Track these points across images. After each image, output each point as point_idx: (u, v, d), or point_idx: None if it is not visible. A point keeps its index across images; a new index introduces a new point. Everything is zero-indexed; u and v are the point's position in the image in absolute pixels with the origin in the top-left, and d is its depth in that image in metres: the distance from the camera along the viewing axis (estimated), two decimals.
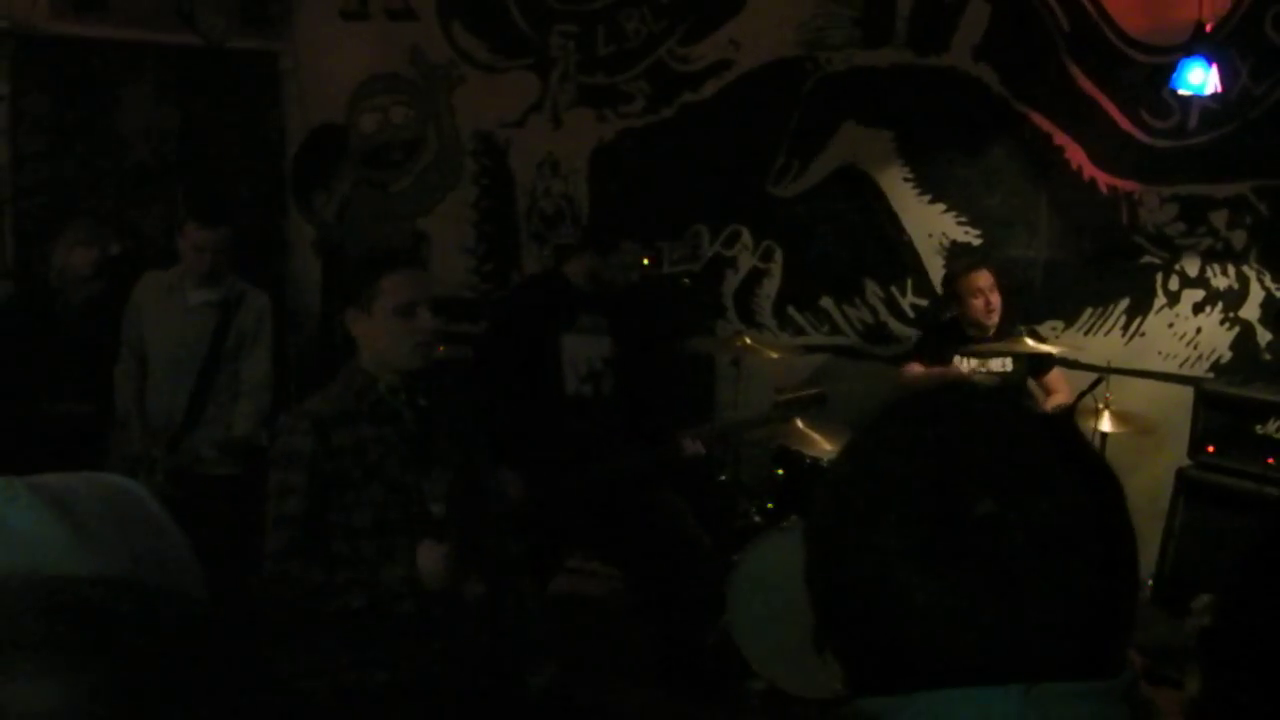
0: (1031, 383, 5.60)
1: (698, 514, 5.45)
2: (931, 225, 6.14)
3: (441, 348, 6.04)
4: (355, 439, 3.37)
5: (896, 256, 6.24)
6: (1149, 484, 5.31)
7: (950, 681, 0.99)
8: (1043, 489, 1.01)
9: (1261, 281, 5.46)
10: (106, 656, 0.63)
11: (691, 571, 4.83)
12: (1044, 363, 5.55)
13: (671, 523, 4.84)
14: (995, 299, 5.43)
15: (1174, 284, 5.65)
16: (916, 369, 5.57)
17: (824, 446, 4.97)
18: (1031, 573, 0.99)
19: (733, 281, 6.58)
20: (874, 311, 6.32)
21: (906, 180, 6.16)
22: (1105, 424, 5.05)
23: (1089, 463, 1.06)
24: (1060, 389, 5.51)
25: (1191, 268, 5.61)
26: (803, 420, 5.13)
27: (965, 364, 5.53)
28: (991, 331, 5.45)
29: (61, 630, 0.64)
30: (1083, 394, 5.05)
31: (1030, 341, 5.32)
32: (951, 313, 5.65)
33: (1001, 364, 5.53)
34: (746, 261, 6.55)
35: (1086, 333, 5.82)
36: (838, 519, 1.07)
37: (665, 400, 5.13)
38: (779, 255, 6.47)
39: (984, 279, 5.44)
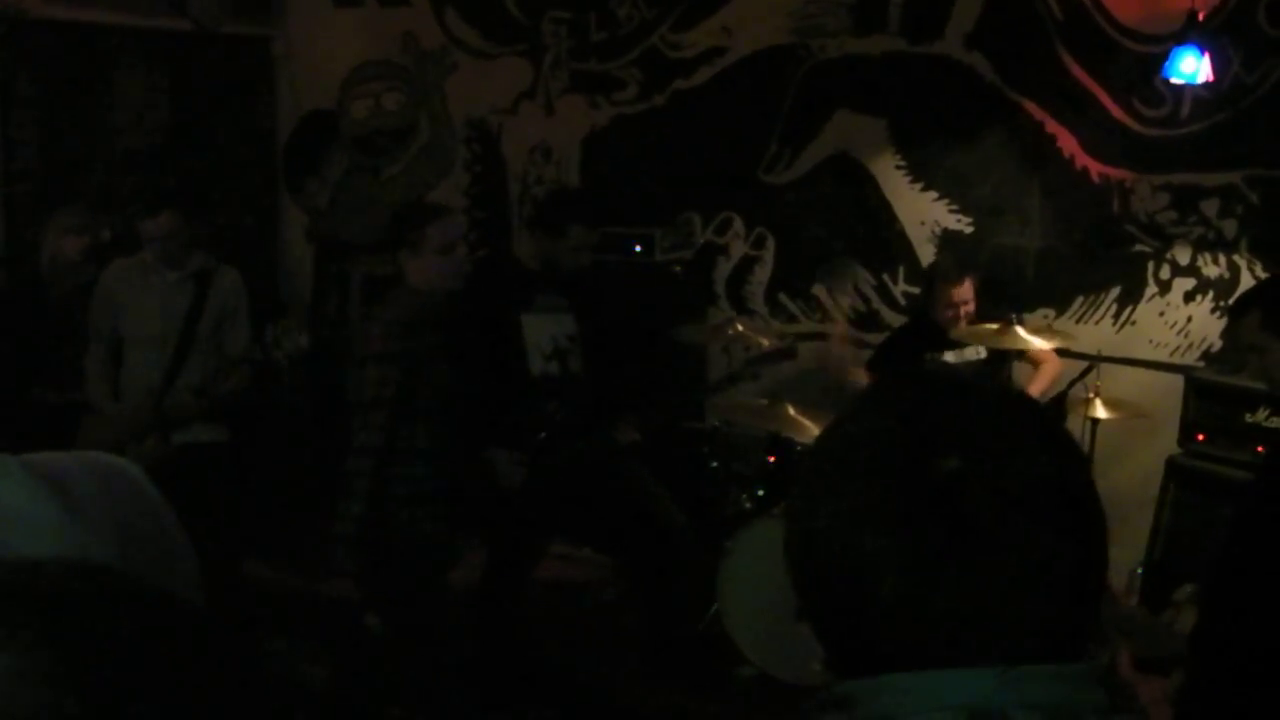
0: (1019, 363, 5.60)
1: (688, 500, 5.47)
2: (923, 213, 6.15)
3: None
4: (422, 339, 4.28)
5: (888, 244, 6.24)
6: (1139, 472, 5.32)
7: (922, 661, 0.99)
8: (1010, 451, 1.01)
9: (1252, 270, 5.46)
10: (56, 641, 0.63)
11: (666, 553, 4.85)
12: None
13: (643, 505, 4.86)
14: (969, 309, 5.37)
15: (1165, 272, 5.66)
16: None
17: (815, 433, 4.97)
18: (998, 532, 0.98)
19: (725, 269, 6.58)
20: (865, 299, 6.33)
21: (899, 168, 6.16)
22: (1096, 412, 5.06)
23: (1054, 433, 1.06)
24: (1046, 358, 5.47)
25: (1183, 256, 5.61)
26: (794, 409, 5.15)
27: (938, 357, 5.53)
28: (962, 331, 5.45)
29: (22, 616, 0.64)
30: (1073, 382, 5.07)
31: (995, 329, 5.30)
32: (927, 304, 5.61)
33: (975, 352, 5.53)
34: (738, 249, 6.55)
35: (1078, 321, 5.82)
36: (809, 488, 1.07)
37: (639, 376, 5.13)
38: (771, 242, 6.47)
39: (961, 293, 5.35)
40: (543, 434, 4.68)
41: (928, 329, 5.53)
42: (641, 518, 4.85)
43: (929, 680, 0.98)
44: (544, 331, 4.77)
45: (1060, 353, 5.59)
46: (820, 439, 1.12)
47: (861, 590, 1.00)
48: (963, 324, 5.38)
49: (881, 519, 1.00)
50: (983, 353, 5.51)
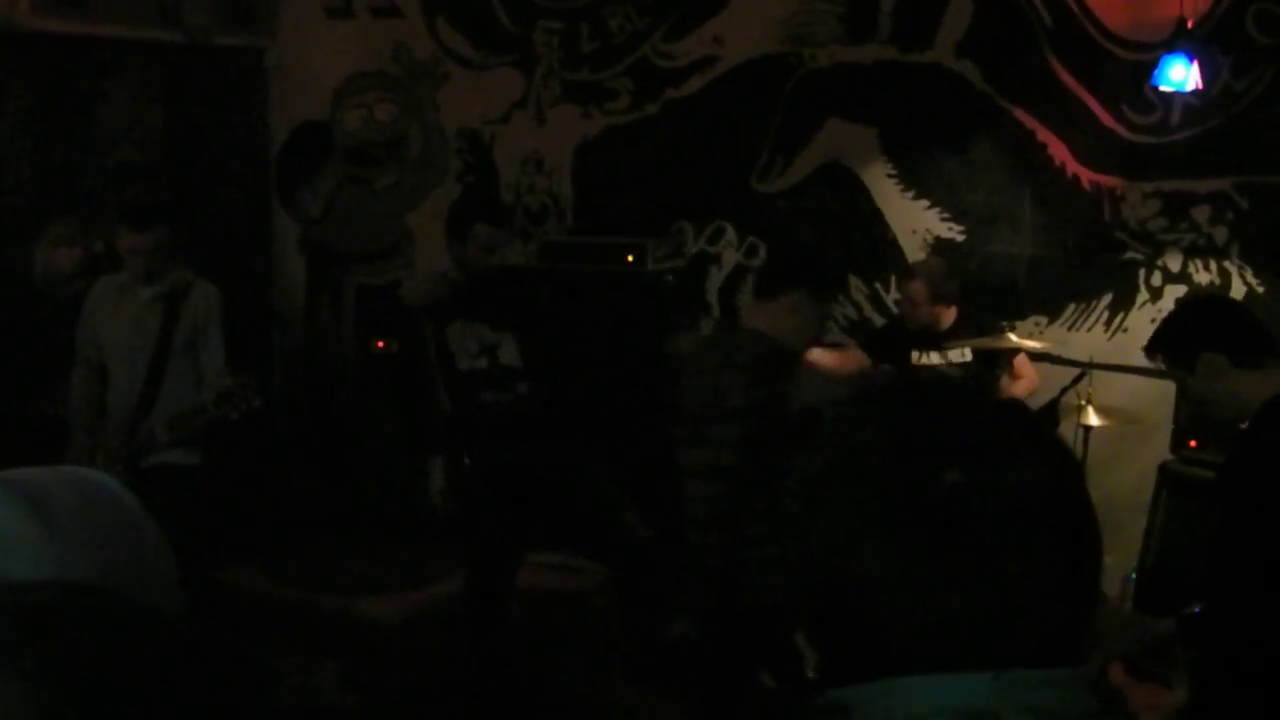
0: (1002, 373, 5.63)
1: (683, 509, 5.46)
2: (915, 221, 6.16)
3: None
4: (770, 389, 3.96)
5: (880, 253, 6.25)
6: (1132, 478, 5.33)
7: (919, 667, 0.99)
8: (1008, 462, 1.03)
9: (1243, 277, 5.48)
10: (63, 664, 0.63)
11: (625, 559, 4.85)
12: (1004, 353, 5.58)
13: (599, 512, 4.86)
14: (919, 311, 5.53)
15: (1157, 279, 5.67)
16: (819, 354, 5.59)
17: None
18: (998, 542, 1.00)
19: (717, 278, 6.58)
20: (858, 307, 6.33)
21: (890, 176, 6.17)
22: (1089, 419, 5.06)
23: (1049, 442, 1.08)
24: (1025, 374, 5.51)
25: (1174, 263, 5.63)
26: None
27: (924, 358, 5.60)
28: (939, 329, 5.54)
29: (18, 638, 0.64)
30: (1065, 389, 5.07)
31: (983, 338, 5.36)
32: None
33: (960, 354, 5.57)
34: (730, 258, 6.55)
35: (1070, 328, 5.83)
36: (806, 497, 1.08)
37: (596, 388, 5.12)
38: (763, 251, 6.47)
39: (908, 289, 5.57)
40: (467, 460, 4.68)
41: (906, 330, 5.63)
42: (600, 525, 4.86)
43: (924, 685, 0.99)
44: (469, 335, 4.77)
45: (1052, 360, 5.60)
46: (813, 451, 1.13)
47: (860, 601, 1.02)
48: (918, 318, 5.54)
49: (881, 532, 1.01)
50: (968, 354, 5.54)
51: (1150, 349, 3.29)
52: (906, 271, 5.73)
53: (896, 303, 5.74)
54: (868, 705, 1.01)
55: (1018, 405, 1.15)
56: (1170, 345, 3.22)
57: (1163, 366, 3.26)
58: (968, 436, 1.04)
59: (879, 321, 6.24)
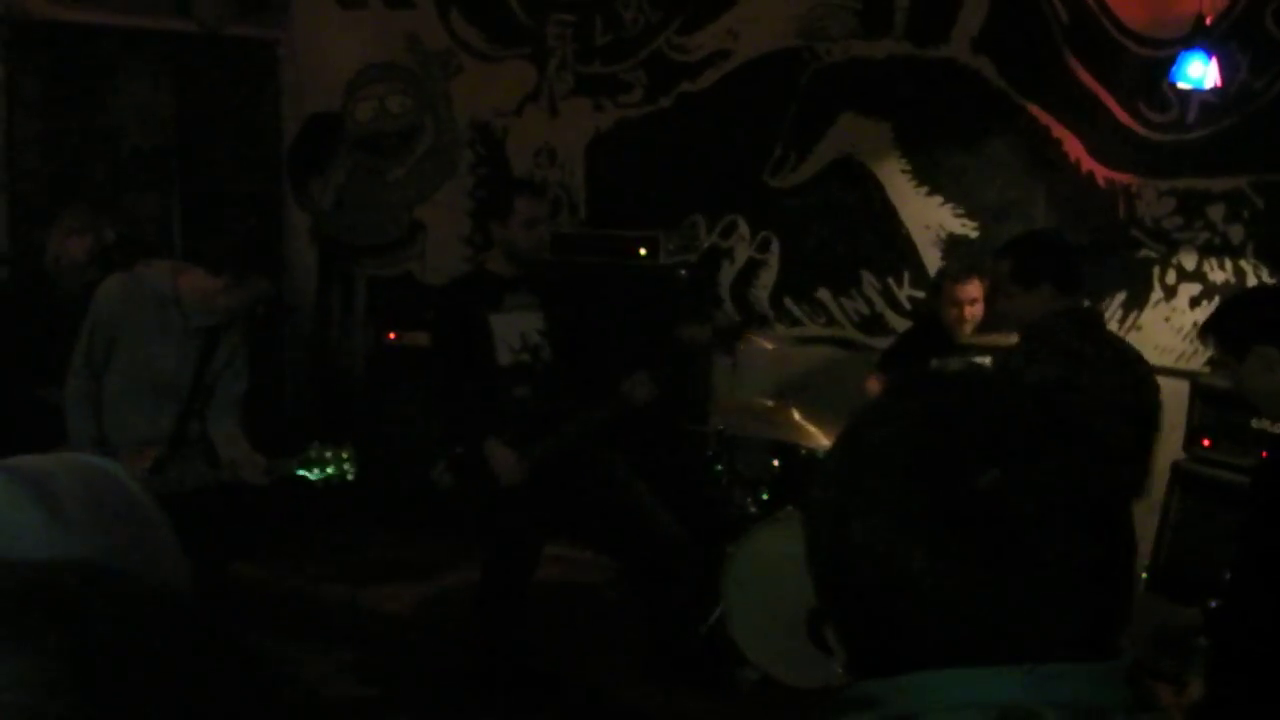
0: None
1: (694, 504, 5.46)
2: (929, 217, 6.13)
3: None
4: None
5: (893, 248, 6.23)
6: None
7: (950, 661, 0.99)
8: (1044, 459, 1.02)
9: (1259, 276, 5.45)
10: (69, 642, 0.62)
11: (663, 560, 4.86)
12: None
13: (638, 511, 4.86)
14: (976, 310, 5.30)
15: (1171, 278, 5.64)
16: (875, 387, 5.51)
17: (820, 439, 4.98)
18: (1034, 538, 0.99)
19: (729, 272, 6.58)
20: (870, 303, 6.32)
21: (904, 172, 6.15)
22: None
23: (1085, 435, 1.06)
24: None
25: (1189, 261, 5.59)
26: (799, 413, 5.14)
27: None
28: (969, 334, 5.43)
29: (24, 614, 0.63)
30: None
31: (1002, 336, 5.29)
32: (935, 308, 5.58)
33: (982, 360, 5.50)
34: (743, 252, 6.54)
35: None
36: (838, 494, 1.07)
37: (611, 366, 5.11)
38: (776, 246, 6.46)
39: (967, 291, 5.29)
40: (516, 415, 4.72)
41: (935, 334, 5.50)
42: (636, 522, 4.86)
43: (955, 678, 0.99)
44: (512, 328, 4.83)
45: None
46: (842, 447, 1.11)
47: (897, 597, 1.01)
48: (969, 326, 5.36)
49: (920, 530, 1.00)
50: (988, 361, 5.48)
51: (1204, 331, 3.25)
52: (955, 274, 5.39)
53: (940, 307, 5.44)
54: (897, 698, 1.01)
55: (1050, 396, 1.13)
56: (1225, 330, 3.18)
57: (1212, 351, 3.21)
58: (1002, 433, 1.03)
59: (891, 317, 6.22)
